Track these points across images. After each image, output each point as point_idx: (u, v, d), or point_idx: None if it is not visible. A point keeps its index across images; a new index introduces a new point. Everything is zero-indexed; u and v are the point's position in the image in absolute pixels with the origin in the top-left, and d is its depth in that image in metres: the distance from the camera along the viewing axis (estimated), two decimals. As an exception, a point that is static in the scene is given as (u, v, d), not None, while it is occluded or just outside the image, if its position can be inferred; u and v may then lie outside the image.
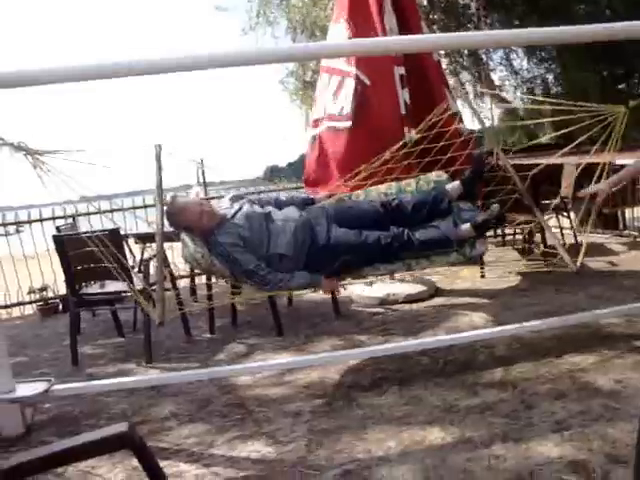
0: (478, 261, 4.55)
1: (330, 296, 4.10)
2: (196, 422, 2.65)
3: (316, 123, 4.37)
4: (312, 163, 4.38)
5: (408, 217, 3.09)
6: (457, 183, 3.19)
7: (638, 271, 4.49)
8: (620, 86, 10.98)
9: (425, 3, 10.39)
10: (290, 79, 11.71)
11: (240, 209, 3.11)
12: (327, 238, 2.98)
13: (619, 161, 5.64)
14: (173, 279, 4.09)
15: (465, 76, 11.68)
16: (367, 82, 4.03)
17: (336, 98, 4.13)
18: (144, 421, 2.70)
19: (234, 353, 3.62)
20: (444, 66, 11.16)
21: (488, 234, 5.91)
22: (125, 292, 3.65)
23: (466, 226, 3.04)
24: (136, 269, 4.23)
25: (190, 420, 2.67)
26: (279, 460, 2.23)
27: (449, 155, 3.30)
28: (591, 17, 9.84)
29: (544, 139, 7.79)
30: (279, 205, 3.26)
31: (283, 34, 11.84)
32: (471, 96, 11.60)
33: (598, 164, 5.24)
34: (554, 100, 3.33)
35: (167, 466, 2.25)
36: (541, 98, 9.13)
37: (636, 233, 5.75)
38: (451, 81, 11.74)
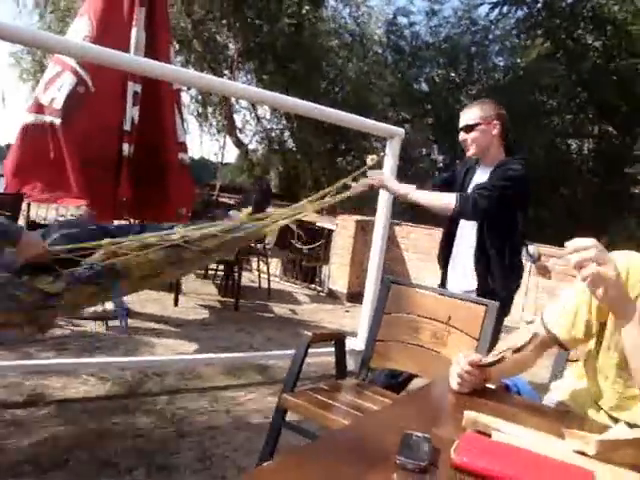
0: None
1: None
2: None
3: (30, 109, 3.97)
4: (14, 153, 3.92)
5: None
6: None
7: (312, 320, 5.12)
8: (339, 159, 12.63)
9: (190, 29, 10.54)
10: (27, 56, 10.59)
11: None
12: None
13: (319, 223, 6.51)
14: None
15: (210, 109, 12.09)
16: (92, 88, 3.87)
17: (48, 87, 3.84)
18: None
19: None
20: (193, 93, 11.41)
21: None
22: None
23: None
24: None
25: None
26: None
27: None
28: (327, 94, 11.20)
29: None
30: None
31: (31, 3, 10.70)
32: (213, 130, 12.05)
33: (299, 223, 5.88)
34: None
35: None
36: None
37: (320, 288, 6.58)
38: (200, 109, 12.02)
